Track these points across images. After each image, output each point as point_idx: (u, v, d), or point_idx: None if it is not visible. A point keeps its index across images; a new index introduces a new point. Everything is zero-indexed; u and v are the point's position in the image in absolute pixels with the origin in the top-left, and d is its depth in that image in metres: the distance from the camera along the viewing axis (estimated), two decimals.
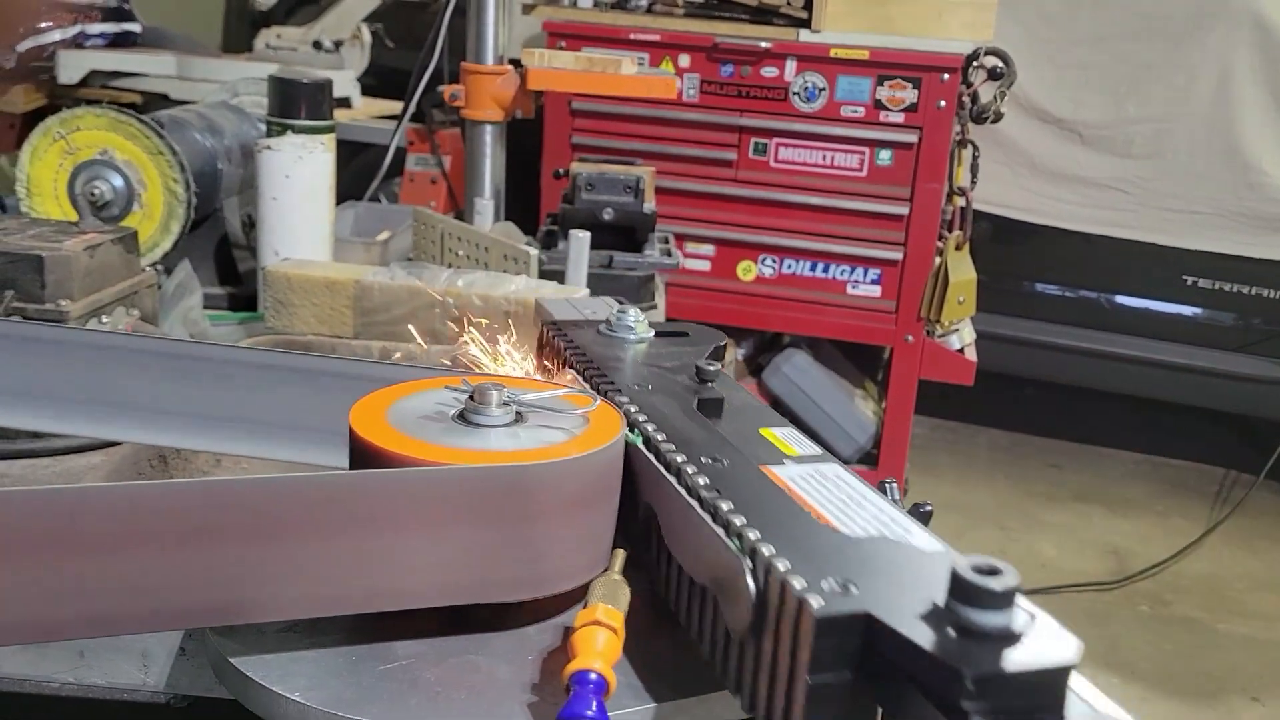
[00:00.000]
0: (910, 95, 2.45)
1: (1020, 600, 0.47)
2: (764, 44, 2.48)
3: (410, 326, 1.24)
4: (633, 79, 1.72)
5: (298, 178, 1.45)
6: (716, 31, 2.51)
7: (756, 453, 0.67)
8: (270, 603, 0.60)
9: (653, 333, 0.92)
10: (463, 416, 0.70)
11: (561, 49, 2.36)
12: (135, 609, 0.57)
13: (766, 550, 0.53)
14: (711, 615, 0.59)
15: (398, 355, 1.17)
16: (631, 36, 2.53)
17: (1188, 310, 3.39)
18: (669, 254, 1.69)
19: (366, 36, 2.89)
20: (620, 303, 1.00)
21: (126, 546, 0.55)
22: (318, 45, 2.87)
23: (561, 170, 1.78)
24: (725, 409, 0.75)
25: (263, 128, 1.56)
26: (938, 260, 2.51)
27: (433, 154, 2.59)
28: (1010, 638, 0.46)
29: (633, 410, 0.74)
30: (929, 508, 0.70)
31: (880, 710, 0.50)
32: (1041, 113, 3.18)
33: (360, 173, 2.34)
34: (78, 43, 2.61)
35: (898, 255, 2.54)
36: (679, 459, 0.65)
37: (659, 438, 0.68)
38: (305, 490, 0.59)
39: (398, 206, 2.27)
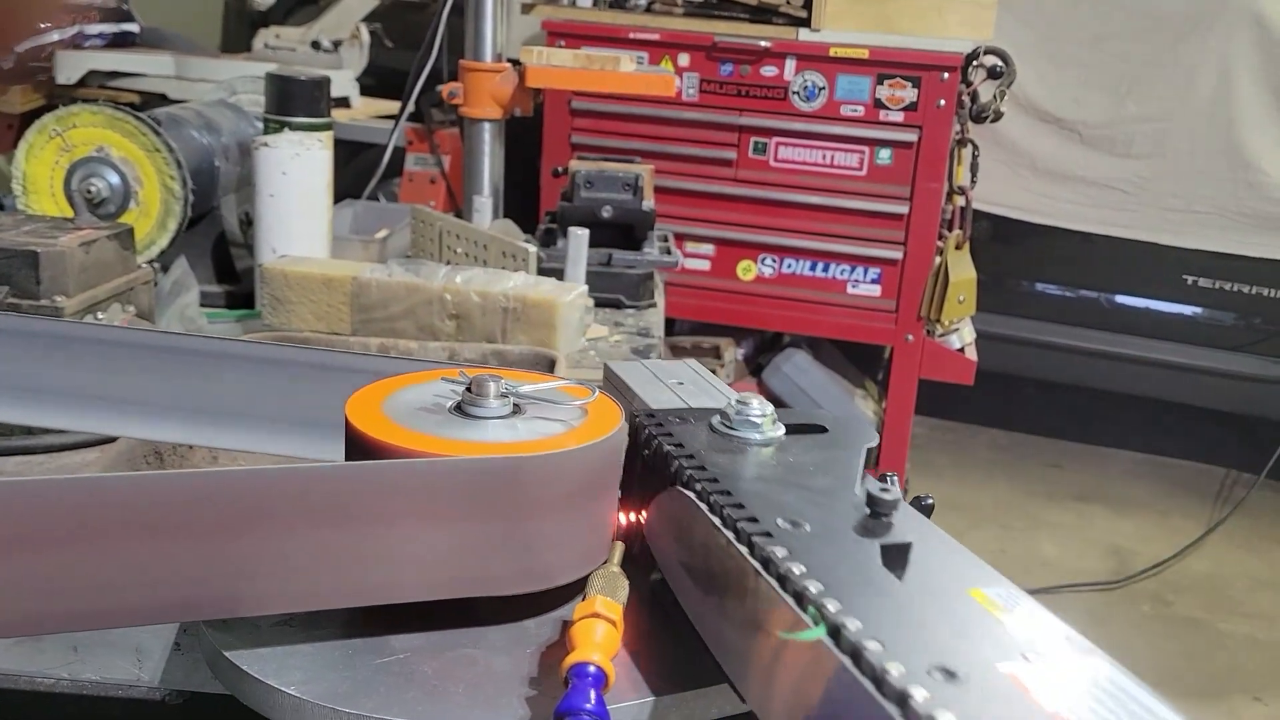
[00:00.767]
0: (910, 94, 2.44)
1: None
2: (763, 43, 2.48)
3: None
4: (631, 76, 1.72)
5: (295, 175, 1.45)
6: (716, 30, 2.51)
7: (981, 646, 0.45)
8: (266, 596, 0.59)
9: (782, 429, 0.71)
10: (460, 408, 0.69)
11: (561, 48, 2.36)
12: (128, 602, 0.56)
13: None
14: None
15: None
16: (631, 35, 2.53)
17: (1188, 310, 3.38)
18: (668, 252, 1.69)
19: (365, 36, 2.89)
20: (713, 371, 0.79)
21: (120, 539, 0.55)
22: (316, 45, 2.87)
23: (560, 168, 1.78)
24: (911, 557, 0.55)
25: (260, 125, 1.56)
26: (938, 260, 2.50)
27: (432, 154, 2.58)
28: None
29: (805, 583, 0.49)
30: (930, 500, 0.69)
31: None
32: (1041, 112, 3.17)
33: (359, 173, 2.34)
34: (76, 43, 2.61)
35: (898, 255, 2.53)
36: (895, 675, 0.41)
37: (867, 646, 0.44)
38: (300, 481, 0.58)
39: (396, 205, 2.27)
